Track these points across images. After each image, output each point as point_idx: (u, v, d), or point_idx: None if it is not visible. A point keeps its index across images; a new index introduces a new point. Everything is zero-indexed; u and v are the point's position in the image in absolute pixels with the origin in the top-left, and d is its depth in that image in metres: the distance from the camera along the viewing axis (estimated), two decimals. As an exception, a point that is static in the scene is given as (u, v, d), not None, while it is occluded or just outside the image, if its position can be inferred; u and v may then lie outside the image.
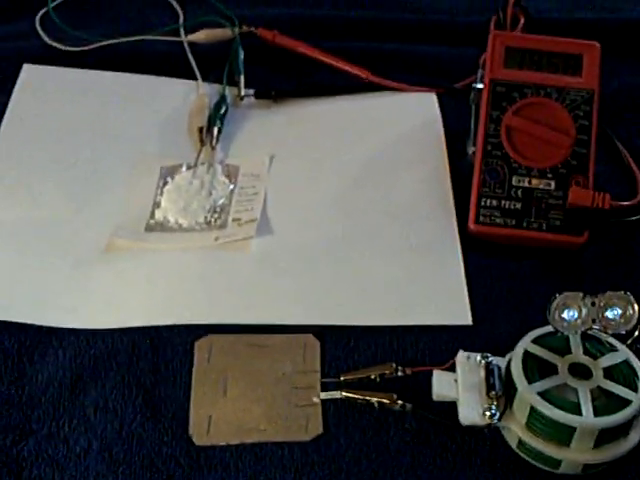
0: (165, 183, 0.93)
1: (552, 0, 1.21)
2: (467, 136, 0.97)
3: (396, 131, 1.01)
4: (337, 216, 0.91)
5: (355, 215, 0.91)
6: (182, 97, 1.03)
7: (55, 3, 1.13)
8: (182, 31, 1.11)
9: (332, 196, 0.93)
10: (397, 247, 0.88)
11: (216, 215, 0.90)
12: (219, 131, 0.99)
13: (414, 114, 1.04)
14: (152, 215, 0.91)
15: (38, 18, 1.12)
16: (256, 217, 0.89)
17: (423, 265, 0.87)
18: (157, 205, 0.91)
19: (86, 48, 1.08)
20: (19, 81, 1.03)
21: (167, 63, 1.08)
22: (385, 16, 1.17)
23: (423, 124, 1.02)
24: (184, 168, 0.95)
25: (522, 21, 1.07)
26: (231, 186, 0.93)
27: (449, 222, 0.91)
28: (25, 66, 1.04)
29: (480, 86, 0.94)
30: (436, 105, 1.04)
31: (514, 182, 0.88)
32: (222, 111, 1.00)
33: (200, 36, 1.09)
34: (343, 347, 0.80)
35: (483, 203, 0.88)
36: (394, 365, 0.76)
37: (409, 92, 1.06)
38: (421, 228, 0.90)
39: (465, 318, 0.83)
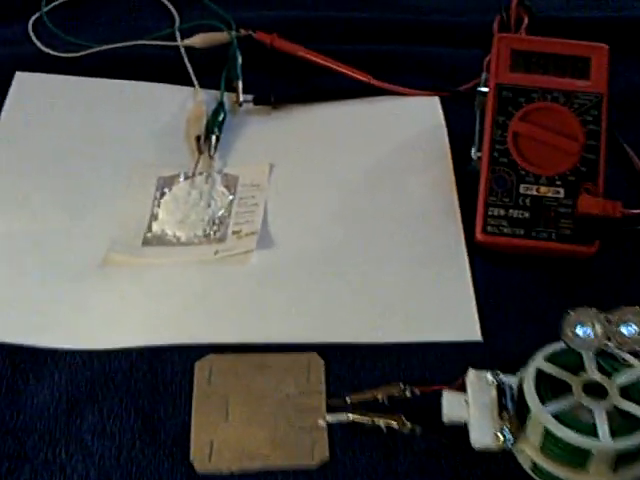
0: (162, 194, 0.91)
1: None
2: (472, 141, 0.93)
3: (399, 136, 0.99)
4: (340, 227, 0.88)
5: (359, 225, 0.88)
6: (179, 104, 1.01)
7: (48, 7, 1.10)
8: (178, 35, 1.08)
9: (335, 206, 0.91)
10: (403, 259, 0.85)
11: (215, 227, 0.87)
12: (217, 139, 0.96)
13: (417, 118, 1.01)
14: (149, 228, 0.88)
15: (31, 23, 1.10)
16: (256, 229, 0.86)
17: (430, 278, 0.84)
18: (154, 217, 0.89)
19: (80, 54, 1.05)
20: (11, 89, 1.01)
21: (163, 69, 1.05)
22: (386, 17, 1.14)
23: (427, 129, 1.00)
24: (182, 178, 0.92)
25: (526, 21, 1.03)
26: (230, 197, 0.90)
27: (456, 231, 0.88)
28: (17, 74, 1.02)
29: (485, 90, 0.91)
30: (440, 109, 1.01)
31: (522, 190, 0.86)
32: (220, 118, 0.98)
33: (196, 40, 1.07)
34: (348, 366, 0.78)
35: (490, 212, 0.85)
36: (402, 385, 0.74)
37: (412, 96, 1.03)
38: (427, 238, 0.88)
39: (474, 333, 0.80)
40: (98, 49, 1.06)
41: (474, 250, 0.87)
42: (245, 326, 0.80)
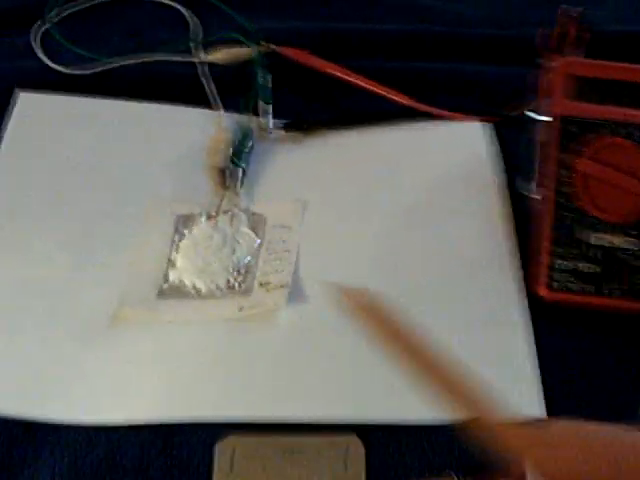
0: (181, 236, 0.80)
1: (607, 8, 1.06)
2: (527, 174, 0.83)
3: (446, 168, 0.88)
4: (383, 279, 0.77)
5: (403, 277, 0.78)
6: (199, 130, 0.90)
7: (58, 19, 1.00)
8: (200, 49, 0.97)
9: (376, 252, 0.80)
10: (453, 319, 0.75)
11: (240, 277, 0.77)
12: (243, 172, 0.85)
13: (466, 147, 0.90)
14: (166, 277, 0.78)
15: (37, 35, 0.99)
16: (287, 281, 0.76)
17: (485, 341, 0.74)
18: (172, 264, 0.78)
19: (89, 71, 0.94)
20: (14, 112, 0.90)
21: (181, 88, 0.94)
22: (423, 29, 1.02)
23: (476, 159, 0.89)
24: (203, 218, 0.82)
25: (586, 38, 0.91)
26: (258, 241, 0.80)
27: (514, 286, 0.78)
28: (21, 95, 0.91)
29: (543, 119, 0.80)
30: (489, 136, 0.91)
31: (592, 240, 0.76)
32: (247, 148, 0.87)
33: (218, 55, 0.96)
34: (393, 450, 0.68)
35: (556, 265, 0.76)
36: (454, 475, 0.63)
37: (458, 121, 0.92)
38: (481, 293, 0.77)
39: (537, 408, 0.70)
40: (110, 66, 0.95)
41: (536, 308, 0.76)
42: (273, 400, 0.70)
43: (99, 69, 0.94)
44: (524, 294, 0.77)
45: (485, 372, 0.68)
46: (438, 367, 0.52)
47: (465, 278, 0.78)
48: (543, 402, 0.70)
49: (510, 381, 0.71)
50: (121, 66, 0.95)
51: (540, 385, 0.71)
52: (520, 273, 0.78)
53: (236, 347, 0.73)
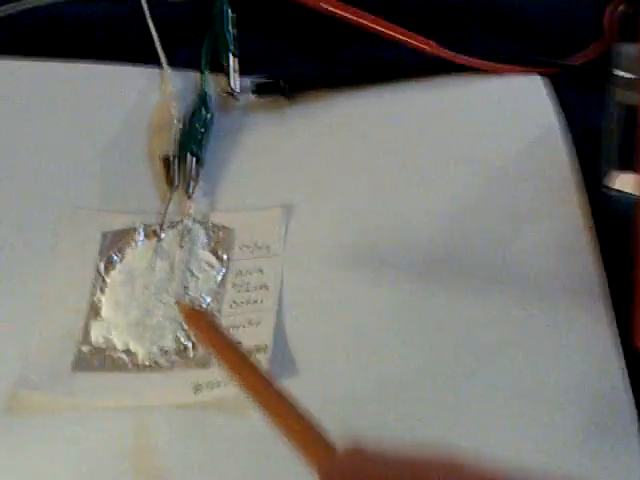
0: (109, 265, 0.55)
1: None
2: (612, 158, 0.59)
3: (497, 148, 0.63)
4: (421, 329, 0.53)
5: (439, 329, 0.54)
6: (137, 97, 0.66)
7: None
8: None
9: (404, 288, 0.55)
10: (514, 392, 0.52)
11: (196, 334, 0.52)
12: (198, 162, 0.60)
13: (513, 112, 0.65)
14: (85, 335, 0.53)
15: None
16: (266, 342, 0.52)
17: (563, 421, 0.51)
18: (94, 313, 0.54)
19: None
20: None
21: (115, 37, 0.71)
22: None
23: (530, 130, 0.64)
24: (140, 235, 0.58)
25: None
26: (221, 271, 0.55)
27: (601, 330, 0.53)
28: None
29: (626, 75, 0.57)
30: (547, 96, 0.66)
31: None
32: (201, 126, 0.62)
33: (169, -12, 0.72)
34: None
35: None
36: None
37: (499, 74, 0.67)
38: (555, 349, 0.53)
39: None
40: (15, 9, 0.73)
41: (634, 366, 0.53)
42: None
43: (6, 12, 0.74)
44: (615, 341, 0.53)
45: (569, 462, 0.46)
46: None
47: (531, 320, 0.54)
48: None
49: (608, 458, 0.49)
50: (35, 9, 0.73)
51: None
52: (609, 309, 0.55)
53: (186, 448, 0.49)
